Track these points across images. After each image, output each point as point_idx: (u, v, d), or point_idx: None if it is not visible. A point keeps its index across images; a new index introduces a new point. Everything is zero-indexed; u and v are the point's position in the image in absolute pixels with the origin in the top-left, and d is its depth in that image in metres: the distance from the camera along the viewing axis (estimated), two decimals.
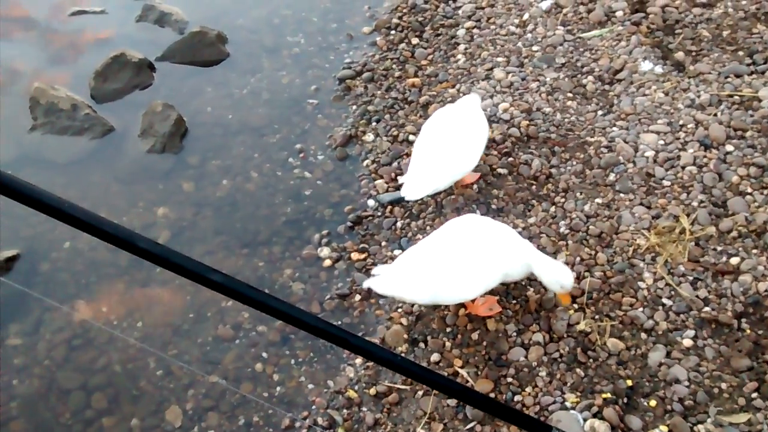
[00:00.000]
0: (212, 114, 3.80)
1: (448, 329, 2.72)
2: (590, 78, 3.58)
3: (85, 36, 4.29)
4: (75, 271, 3.12)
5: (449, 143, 2.91)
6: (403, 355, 2.68)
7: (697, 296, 2.67)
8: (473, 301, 2.67)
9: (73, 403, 2.70)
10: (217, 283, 1.04)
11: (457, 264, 2.48)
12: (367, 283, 2.57)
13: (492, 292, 2.71)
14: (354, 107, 3.74)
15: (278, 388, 2.69)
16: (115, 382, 2.76)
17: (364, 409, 2.56)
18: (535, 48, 3.80)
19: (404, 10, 4.24)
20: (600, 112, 3.42)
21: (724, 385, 2.43)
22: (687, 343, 2.54)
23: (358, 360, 2.72)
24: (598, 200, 3.04)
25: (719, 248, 2.80)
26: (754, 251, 2.77)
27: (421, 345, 2.70)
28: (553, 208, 3.04)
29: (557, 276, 2.49)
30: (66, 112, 3.70)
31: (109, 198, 3.41)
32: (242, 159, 3.54)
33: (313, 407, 2.60)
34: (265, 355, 2.79)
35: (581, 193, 3.07)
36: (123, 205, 3.37)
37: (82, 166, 3.58)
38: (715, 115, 3.25)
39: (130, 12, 4.41)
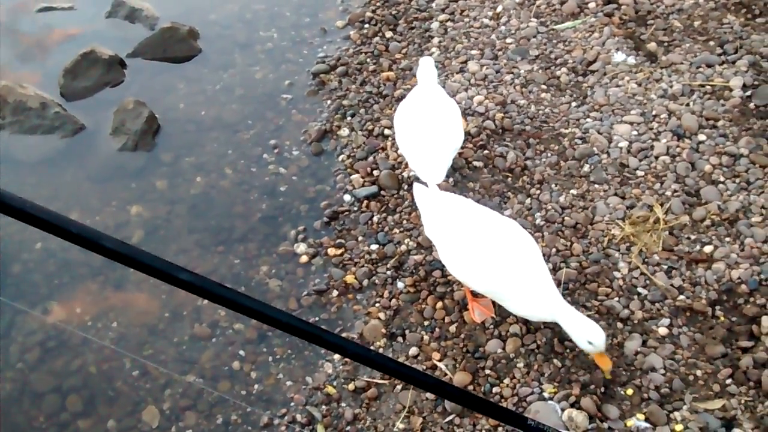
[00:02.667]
0: (185, 111, 3.76)
1: (426, 323, 2.72)
2: (564, 70, 3.59)
3: (54, 33, 4.21)
4: (47, 272, 3.07)
5: (435, 122, 2.90)
6: (381, 349, 2.68)
7: (671, 285, 2.69)
8: (474, 294, 2.68)
9: (47, 407, 2.65)
10: (186, 282, 1.02)
11: (475, 252, 2.45)
12: (417, 185, 2.73)
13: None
14: (328, 102, 3.72)
15: (256, 386, 2.67)
16: (90, 383, 2.72)
17: (343, 404, 2.55)
18: (508, 40, 3.81)
19: (378, 4, 4.22)
20: (574, 104, 3.43)
21: (699, 372, 2.46)
22: (662, 331, 2.57)
23: (336, 356, 2.71)
24: (573, 191, 3.05)
25: (693, 237, 2.83)
26: (727, 239, 2.80)
27: (399, 339, 2.69)
28: (528, 200, 3.05)
29: (584, 332, 2.26)
30: (35, 110, 3.63)
31: (81, 197, 3.36)
32: (216, 156, 3.50)
33: (292, 404, 2.59)
34: (242, 353, 2.76)
35: (556, 185, 3.09)
36: (96, 205, 3.32)
37: (53, 166, 3.52)
38: (688, 105, 3.28)
39: (100, 8, 4.34)
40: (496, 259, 2.40)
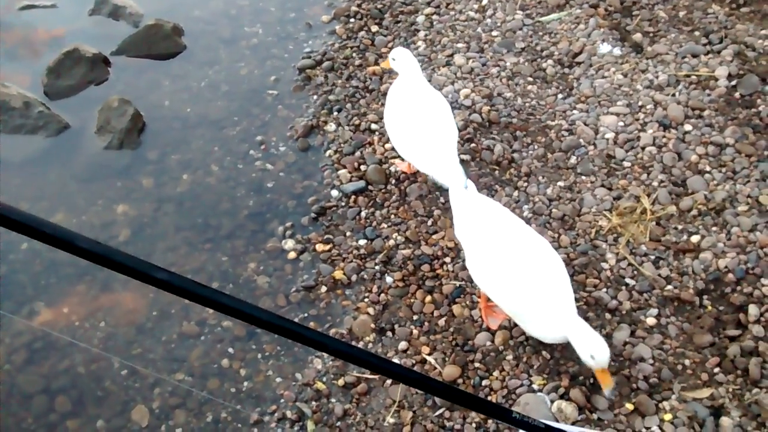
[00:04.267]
0: (170, 108, 3.73)
1: (415, 317, 2.71)
2: (550, 62, 3.59)
3: (36, 31, 4.17)
4: (34, 273, 3.05)
5: (432, 119, 2.85)
6: (370, 344, 2.68)
7: (659, 275, 2.70)
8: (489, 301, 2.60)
9: (35, 408, 2.63)
10: (163, 281, 1.01)
11: (502, 268, 2.36)
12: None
13: (456, 277, 2.73)
14: (315, 97, 3.70)
15: (246, 383, 2.66)
16: (78, 384, 2.70)
17: (333, 400, 2.55)
18: (494, 33, 3.80)
19: None
20: (560, 96, 3.43)
21: (687, 362, 2.47)
22: (650, 321, 2.58)
23: None
24: (560, 183, 3.05)
25: (680, 227, 2.84)
26: (714, 229, 2.81)
27: (389, 334, 2.69)
28: (516, 193, 3.05)
29: (588, 346, 2.19)
30: (18, 110, 3.60)
31: (66, 197, 3.33)
32: (202, 153, 3.48)
33: (282, 401, 2.58)
34: (231, 350, 2.75)
35: (543, 177, 3.08)
36: (81, 204, 3.30)
37: (38, 165, 3.49)
38: (673, 95, 3.29)
39: (83, 5, 4.31)
40: (522, 280, 2.30)
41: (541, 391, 2.43)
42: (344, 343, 1.23)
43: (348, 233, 3.05)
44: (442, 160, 2.75)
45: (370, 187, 3.19)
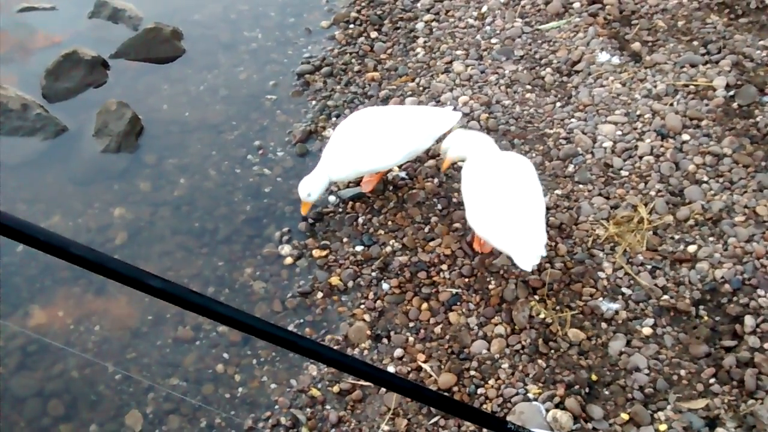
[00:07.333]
0: (168, 112, 3.73)
1: (411, 324, 2.71)
2: (548, 70, 3.59)
3: (35, 33, 4.17)
4: (29, 276, 3.04)
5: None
6: (365, 351, 2.67)
7: (655, 285, 2.70)
8: None
9: (28, 411, 2.62)
10: (157, 289, 1.01)
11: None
12: None
13: (453, 285, 2.73)
14: (313, 102, 3.70)
15: (240, 389, 2.65)
16: (72, 387, 2.69)
17: (328, 407, 2.54)
18: (493, 40, 3.80)
19: (363, 4, 4.21)
20: (558, 104, 3.43)
21: (683, 372, 2.46)
22: (646, 331, 2.57)
23: None
24: (558, 192, 3.05)
25: (677, 236, 2.84)
26: (711, 239, 2.81)
27: (385, 341, 2.68)
28: None
29: None
30: (16, 112, 3.59)
31: (63, 199, 3.33)
32: (200, 157, 3.48)
33: (276, 407, 2.57)
34: (226, 355, 2.74)
35: (541, 185, 3.08)
36: (78, 207, 3.29)
37: (35, 168, 3.48)
38: (672, 104, 3.29)
39: (82, 8, 4.30)
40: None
41: (536, 400, 2.42)
42: (338, 353, 1.23)
43: (345, 239, 3.04)
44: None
45: (367, 194, 3.18)
